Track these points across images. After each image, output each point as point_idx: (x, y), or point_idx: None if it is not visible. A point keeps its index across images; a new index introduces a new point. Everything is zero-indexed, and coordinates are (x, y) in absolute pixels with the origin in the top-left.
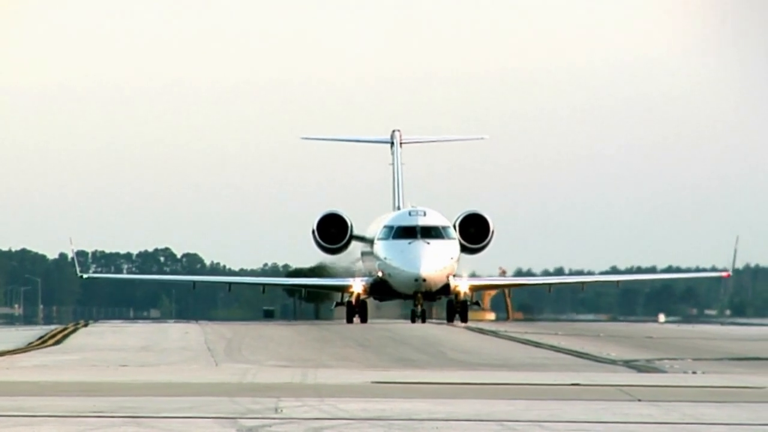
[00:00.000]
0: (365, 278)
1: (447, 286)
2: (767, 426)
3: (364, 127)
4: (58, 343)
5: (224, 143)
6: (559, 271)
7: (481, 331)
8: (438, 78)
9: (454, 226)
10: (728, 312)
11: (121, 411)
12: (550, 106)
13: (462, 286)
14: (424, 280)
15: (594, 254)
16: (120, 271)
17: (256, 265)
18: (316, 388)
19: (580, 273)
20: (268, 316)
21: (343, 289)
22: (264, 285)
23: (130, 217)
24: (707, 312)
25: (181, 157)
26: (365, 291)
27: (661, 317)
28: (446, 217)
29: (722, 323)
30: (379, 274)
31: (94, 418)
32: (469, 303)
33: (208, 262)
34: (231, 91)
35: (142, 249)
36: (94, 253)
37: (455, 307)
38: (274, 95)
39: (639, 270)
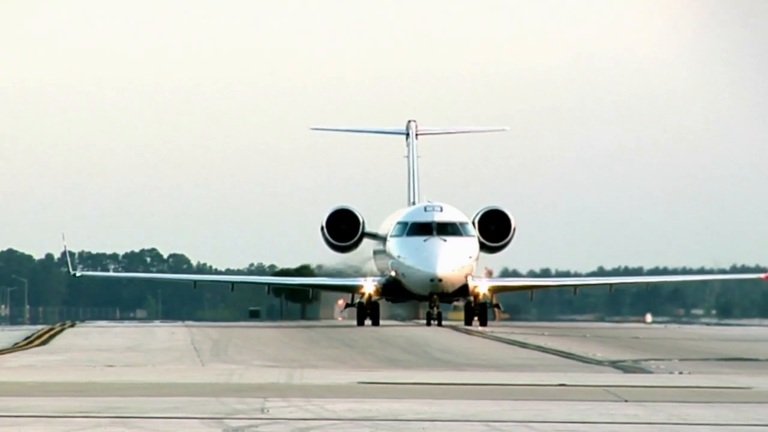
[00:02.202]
0: (377, 278)
1: (465, 287)
2: (753, 426)
3: (379, 121)
4: (44, 343)
5: (218, 142)
6: (546, 272)
7: (467, 331)
8: (456, 70)
9: (473, 223)
10: (715, 312)
11: (107, 411)
12: (555, 104)
13: (481, 287)
14: (440, 280)
15: (583, 255)
16: (106, 272)
17: (242, 265)
18: (303, 389)
19: (566, 275)
20: (254, 316)
21: (354, 289)
22: (269, 285)
23: (117, 217)
24: (694, 312)
25: (168, 157)
26: (377, 291)
27: (648, 317)
28: (464, 213)
29: (709, 324)
30: (392, 273)
31: (80, 418)
32: (488, 305)
33: (194, 263)
34: (225, 90)
35: (129, 249)
36: (80, 254)
37: (473, 310)
38: (278, 88)
39: (629, 271)
